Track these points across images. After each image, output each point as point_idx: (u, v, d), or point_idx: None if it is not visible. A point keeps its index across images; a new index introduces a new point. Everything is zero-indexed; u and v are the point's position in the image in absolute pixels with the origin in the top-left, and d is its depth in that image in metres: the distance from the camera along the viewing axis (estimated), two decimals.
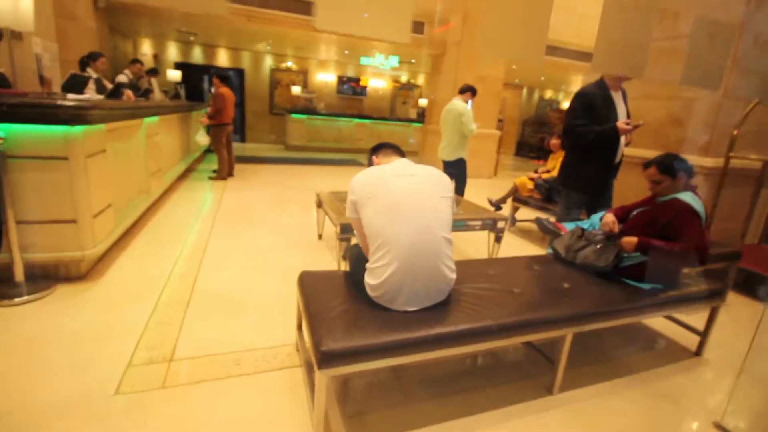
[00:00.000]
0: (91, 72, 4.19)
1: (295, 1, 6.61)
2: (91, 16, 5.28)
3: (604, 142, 2.48)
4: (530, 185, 4.12)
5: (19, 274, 2.15)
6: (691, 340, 2.21)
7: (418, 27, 7.61)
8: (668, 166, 1.90)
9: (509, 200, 4.40)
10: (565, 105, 14.40)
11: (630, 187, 3.24)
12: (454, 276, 1.53)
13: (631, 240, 1.89)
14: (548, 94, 14.34)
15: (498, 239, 3.05)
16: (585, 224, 2.25)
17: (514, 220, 4.40)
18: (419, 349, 1.34)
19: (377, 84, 11.65)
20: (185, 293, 2.33)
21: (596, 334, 2.09)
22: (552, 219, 2.64)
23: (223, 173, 5.61)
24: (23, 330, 1.86)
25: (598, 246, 1.95)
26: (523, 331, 1.49)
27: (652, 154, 2.07)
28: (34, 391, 1.49)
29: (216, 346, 1.87)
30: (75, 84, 2.74)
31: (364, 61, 10.29)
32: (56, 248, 2.24)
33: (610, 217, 2.10)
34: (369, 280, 1.49)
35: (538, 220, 2.39)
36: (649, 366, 2.01)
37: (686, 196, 1.87)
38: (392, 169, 1.56)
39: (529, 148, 13.42)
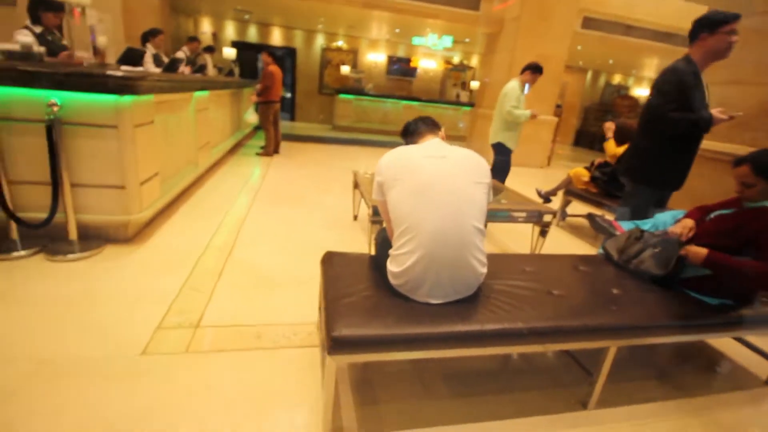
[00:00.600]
0: (150, 47, 4.39)
1: None
2: None
3: (694, 132, 2.09)
4: (586, 177, 3.77)
5: (72, 233, 2.31)
6: (763, 367, 1.91)
7: (473, 2, 7.18)
8: (765, 166, 1.57)
9: (560, 193, 4.07)
10: (637, 91, 13.15)
11: (699, 186, 2.84)
12: (484, 270, 1.40)
13: (699, 252, 1.59)
14: (616, 79, 13.12)
15: (543, 233, 2.82)
16: (645, 225, 1.98)
17: (564, 215, 4.08)
18: (439, 346, 1.24)
19: (428, 65, 11.29)
20: (219, 263, 2.39)
21: (647, 345, 1.86)
22: (608, 216, 2.37)
23: (270, 150, 5.73)
24: (70, 286, 1.99)
25: (657, 249, 1.70)
26: (558, 338, 1.34)
27: (734, 149, 1.75)
28: (70, 345, 1.59)
29: (240, 317, 1.89)
30: (131, 57, 2.85)
31: (416, 41, 9.97)
32: (106, 211, 2.37)
33: (689, 222, 1.75)
34: (391, 267, 1.40)
35: (590, 217, 2.15)
36: (710, 390, 1.76)
37: None
38: (422, 150, 1.43)
39: (590, 137, 12.45)
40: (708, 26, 2.01)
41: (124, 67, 2.51)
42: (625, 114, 11.36)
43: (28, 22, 2.66)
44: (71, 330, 1.68)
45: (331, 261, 1.64)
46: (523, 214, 2.77)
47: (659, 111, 2.10)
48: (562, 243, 3.48)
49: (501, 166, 3.96)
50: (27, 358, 1.49)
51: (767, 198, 1.60)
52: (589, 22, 7.84)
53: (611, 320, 1.41)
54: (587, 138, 12.74)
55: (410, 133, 1.63)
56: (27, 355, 1.51)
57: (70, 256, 2.25)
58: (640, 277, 1.75)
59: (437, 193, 1.31)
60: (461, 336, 1.23)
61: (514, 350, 1.32)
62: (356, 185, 3.14)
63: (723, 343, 2.10)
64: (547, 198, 4.32)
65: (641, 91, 13.23)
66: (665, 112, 2.07)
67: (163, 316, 1.84)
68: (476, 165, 1.43)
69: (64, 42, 2.81)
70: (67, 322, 1.72)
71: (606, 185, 3.56)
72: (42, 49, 2.20)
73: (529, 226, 2.88)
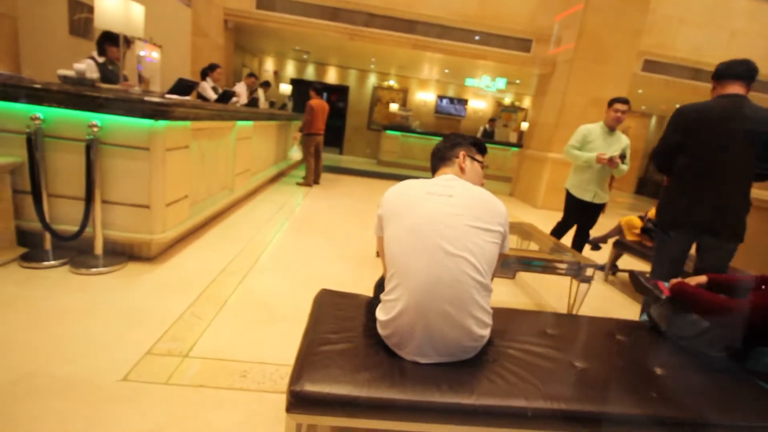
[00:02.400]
0: (209, 80, 4.76)
1: (398, 20, 6.74)
2: (221, 34, 6.10)
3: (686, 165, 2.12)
4: (637, 228, 3.36)
5: (98, 248, 2.39)
6: None
7: (525, 45, 7.11)
8: None
9: (611, 243, 3.66)
10: None
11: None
12: (484, 333, 1.18)
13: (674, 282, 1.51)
14: None
15: (583, 288, 2.48)
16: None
17: (615, 269, 3.63)
18: (416, 418, 1.03)
19: (477, 105, 11.27)
20: (228, 291, 2.34)
21: None
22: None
23: (309, 180, 5.86)
24: (82, 299, 2.02)
25: (706, 324, 1.37)
26: (572, 425, 1.07)
27: None
28: (58, 360, 1.56)
29: (232, 350, 1.79)
30: (181, 87, 3.05)
31: (469, 82, 10.04)
32: (131, 229, 2.45)
33: (701, 278, 1.57)
34: (379, 314, 1.23)
35: (632, 275, 1.84)
36: None
37: None
38: (427, 185, 1.28)
39: (654, 185, 11.51)
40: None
41: (168, 96, 2.68)
42: None
43: (94, 53, 2.97)
44: (65, 345, 1.67)
45: (324, 300, 1.51)
46: (562, 266, 2.47)
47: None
48: (607, 302, 3.06)
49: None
50: (11, 369, 1.48)
51: None
52: (651, 65, 7.42)
53: (647, 410, 1.11)
54: (651, 186, 11.79)
55: (433, 157, 1.49)
56: (13, 365, 1.50)
57: (93, 270, 2.32)
58: (695, 356, 1.41)
59: (433, 236, 1.14)
60: (445, 409, 1.02)
61: None
62: None
63: None
64: (596, 245, 3.91)
65: None
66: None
67: (157, 340, 1.79)
68: (488, 207, 1.24)
69: (124, 72, 3.10)
70: (64, 335, 1.72)
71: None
72: (95, 76, 2.40)
73: (570, 279, 2.56)
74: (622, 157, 3.02)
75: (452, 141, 1.47)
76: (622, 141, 3.17)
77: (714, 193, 1.98)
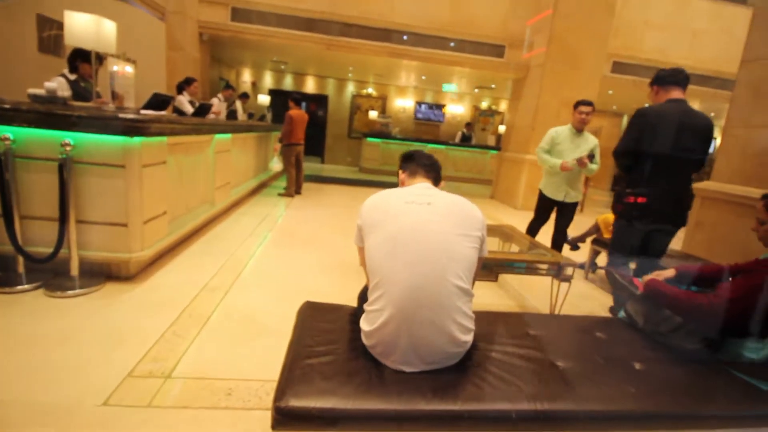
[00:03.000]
0: (186, 95, 4.71)
1: (374, 29, 6.82)
2: (196, 47, 6.04)
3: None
4: None
5: (74, 269, 2.32)
6: None
7: (498, 50, 7.29)
8: None
9: (589, 241, 3.76)
10: None
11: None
12: (467, 338, 1.20)
13: (644, 279, 1.59)
14: None
15: (564, 288, 2.54)
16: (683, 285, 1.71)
17: (594, 266, 3.73)
18: (403, 426, 1.04)
19: (455, 110, 11.45)
20: (210, 307, 2.31)
21: None
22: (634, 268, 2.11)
23: (291, 191, 5.83)
24: (59, 323, 1.96)
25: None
26: (556, 425, 1.09)
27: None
28: (37, 386, 1.52)
29: (216, 368, 1.76)
30: (156, 102, 3.01)
31: (445, 88, 10.23)
32: (108, 248, 2.39)
33: (669, 272, 1.66)
34: (363, 324, 1.24)
35: (608, 272, 1.90)
36: None
37: None
38: (405, 194, 1.31)
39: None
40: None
41: (143, 111, 2.64)
42: None
43: (65, 70, 2.91)
44: (44, 370, 1.61)
45: (307, 313, 1.51)
46: (543, 266, 2.53)
47: None
48: (587, 300, 3.13)
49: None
50: None
51: None
52: (620, 67, 7.71)
53: (627, 405, 1.15)
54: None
55: (409, 162, 1.52)
56: None
57: (69, 292, 2.25)
58: (672, 349, 1.47)
59: (414, 244, 1.16)
60: (431, 416, 1.03)
61: None
62: None
63: None
64: (574, 245, 4.01)
65: None
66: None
67: (138, 362, 1.74)
68: (465, 214, 1.27)
69: (97, 89, 3.03)
70: (41, 361, 1.66)
71: None
72: (67, 94, 2.35)
73: (551, 279, 2.62)
74: (591, 156, 3.13)
75: (438, 166, 1.54)
76: (590, 141, 3.28)
77: (669, 185, 2.26)
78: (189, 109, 4.67)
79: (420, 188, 1.35)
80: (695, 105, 9.52)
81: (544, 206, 3.46)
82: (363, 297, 1.42)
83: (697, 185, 3.46)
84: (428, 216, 1.22)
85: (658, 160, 2.24)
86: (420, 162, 1.51)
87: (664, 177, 2.25)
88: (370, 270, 1.24)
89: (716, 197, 3.28)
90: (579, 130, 3.26)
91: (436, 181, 1.49)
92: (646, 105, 2.40)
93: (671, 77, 2.29)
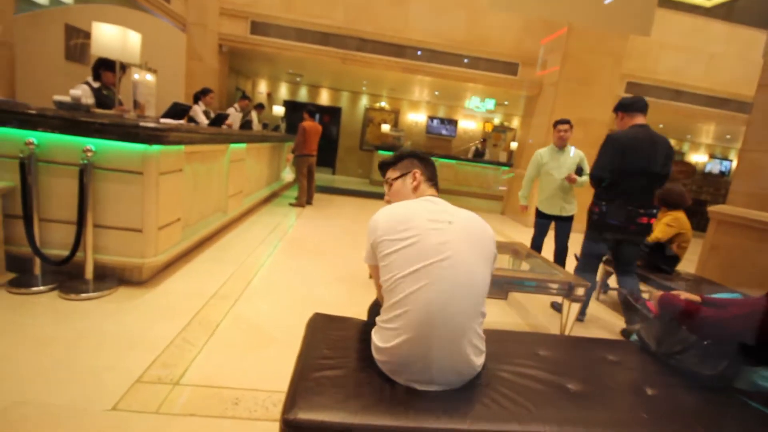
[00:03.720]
0: (201, 105, 4.82)
1: (389, 44, 6.94)
2: (215, 58, 6.21)
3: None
4: None
5: (89, 272, 2.37)
6: None
7: (511, 68, 7.34)
8: None
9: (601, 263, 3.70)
10: (694, 158, 12.46)
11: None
12: (480, 360, 1.20)
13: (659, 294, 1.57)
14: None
15: (575, 308, 2.50)
16: None
17: (606, 287, 3.67)
18: None
19: (468, 125, 11.50)
20: (219, 315, 2.32)
21: None
22: (650, 292, 2.07)
23: (302, 201, 5.88)
24: (71, 325, 1.99)
25: (704, 341, 1.40)
26: None
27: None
28: (49, 388, 1.54)
29: (224, 377, 1.76)
30: (175, 111, 3.10)
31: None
32: (122, 253, 2.43)
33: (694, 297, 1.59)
34: (376, 339, 1.23)
35: (621, 294, 1.87)
36: None
37: None
38: (427, 212, 1.25)
39: None
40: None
41: (163, 120, 2.71)
42: (681, 181, 10.67)
43: (89, 78, 3.01)
44: (54, 372, 1.64)
45: (317, 324, 1.51)
46: (554, 285, 2.50)
47: None
48: (599, 321, 3.08)
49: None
50: (3, 396, 1.45)
51: None
52: (633, 88, 7.70)
53: (639, 431, 1.12)
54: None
55: (404, 158, 1.47)
56: (5, 391, 1.48)
57: (83, 295, 2.29)
58: (685, 374, 1.43)
59: (438, 270, 1.13)
60: None
61: None
62: None
63: None
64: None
65: (698, 158, 12.51)
66: None
67: (147, 367, 1.76)
68: (481, 234, 1.25)
69: (119, 97, 3.13)
70: (53, 363, 1.69)
71: (650, 257, 3.19)
72: (91, 101, 2.43)
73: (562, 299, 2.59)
74: (580, 170, 3.34)
75: (433, 168, 1.50)
76: (575, 156, 3.47)
77: (637, 200, 2.57)
78: (203, 119, 4.77)
79: (438, 203, 1.32)
80: (710, 127, 9.44)
81: (542, 222, 3.66)
82: (374, 311, 1.42)
83: (712, 208, 3.43)
84: (451, 236, 1.18)
85: (630, 177, 2.54)
86: (418, 159, 1.46)
87: (632, 193, 2.57)
88: (388, 288, 1.20)
89: (732, 221, 3.23)
90: (560, 147, 3.51)
91: (434, 184, 1.47)
92: (614, 129, 2.72)
93: (636, 105, 2.58)
